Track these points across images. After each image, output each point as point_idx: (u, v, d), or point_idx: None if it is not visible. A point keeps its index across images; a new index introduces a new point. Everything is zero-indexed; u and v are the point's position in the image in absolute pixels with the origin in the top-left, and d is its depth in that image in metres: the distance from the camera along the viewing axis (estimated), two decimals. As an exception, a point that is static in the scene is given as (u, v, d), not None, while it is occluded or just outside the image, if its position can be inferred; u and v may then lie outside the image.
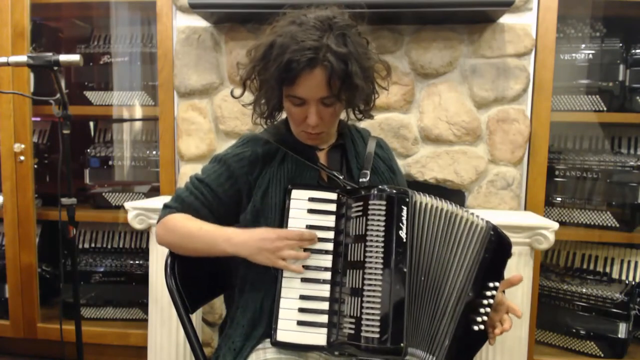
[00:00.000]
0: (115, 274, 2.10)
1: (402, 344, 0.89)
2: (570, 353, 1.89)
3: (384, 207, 0.95)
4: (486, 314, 0.96)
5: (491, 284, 0.97)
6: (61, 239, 1.63)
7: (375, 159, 1.17)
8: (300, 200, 1.02)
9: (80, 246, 2.15)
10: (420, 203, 0.98)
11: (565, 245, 2.02)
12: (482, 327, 0.96)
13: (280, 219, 1.03)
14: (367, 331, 0.89)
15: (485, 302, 0.96)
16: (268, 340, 1.00)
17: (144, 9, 2.11)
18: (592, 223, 1.93)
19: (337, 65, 0.93)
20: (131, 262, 2.11)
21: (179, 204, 1.10)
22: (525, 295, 1.61)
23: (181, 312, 1.10)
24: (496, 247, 0.98)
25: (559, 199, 1.96)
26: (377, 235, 0.94)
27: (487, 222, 0.99)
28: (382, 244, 0.93)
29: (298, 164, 1.09)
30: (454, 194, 1.86)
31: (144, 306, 2.07)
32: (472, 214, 0.99)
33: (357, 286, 0.93)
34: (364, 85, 0.99)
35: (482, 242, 0.98)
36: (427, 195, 0.99)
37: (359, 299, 0.91)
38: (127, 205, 1.70)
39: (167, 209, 1.12)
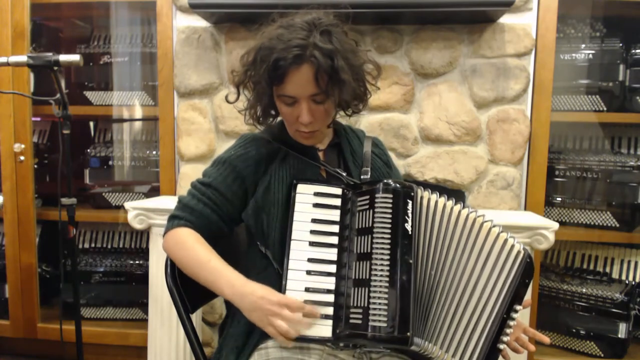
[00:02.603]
0: (115, 274, 2.10)
1: (408, 333, 0.89)
2: (570, 353, 1.89)
3: (390, 200, 0.96)
4: (508, 334, 0.97)
5: (518, 307, 0.98)
6: (61, 239, 1.63)
7: (373, 157, 1.20)
8: (305, 195, 1.04)
9: (80, 246, 2.15)
10: (429, 200, 1.00)
11: (565, 245, 2.02)
12: (505, 346, 0.97)
13: (284, 214, 1.04)
14: (374, 320, 0.90)
15: (511, 323, 0.97)
16: (270, 339, 1.00)
17: (144, 9, 2.12)
18: (592, 223, 1.93)
19: (324, 61, 0.95)
20: (131, 262, 2.11)
21: (188, 213, 1.08)
22: (526, 295, 1.60)
23: (181, 312, 1.10)
24: (530, 273, 0.99)
25: (559, 199, 1.96)
26: (383, 227, 0.95)
27: (524, 247, 0.99)
28: (389, 236, 0.94)
29: (300, 161, 1.11)
30: (454, 193, 1.86)
31: (144, 306, 2.07)
32: (507, 232, 0.99)
33: (364, 277, 0.94)
34: (352, 81, 1.01)
35: (520, 267, 0.97)
36: (436, 194, 1.01)
37: (366, 289, 0.93)
38: (127, 205, 1.69)
39: (176, 219, 1.09)
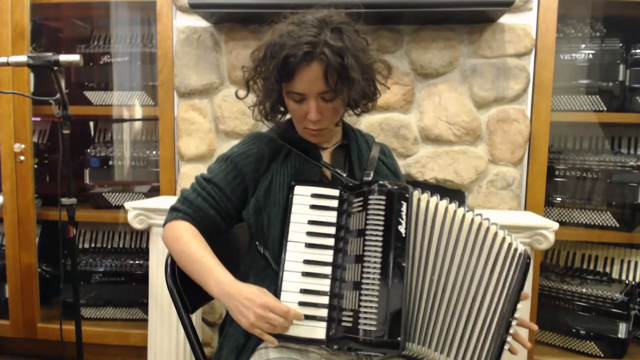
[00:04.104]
0: (115, 274, 2.10)
1: (399, 338, 0.89)
2: (570, 353, 1.89)
3: (383, 202, 0.96)
4: (512, 333, 0.97)
5: (519, 305, 0.97)
6: (61, 239, 1.63)
7: (379, 164, 1.18)
8: (302, 196, 1.03)
9: (80, 246, 2.15)
10: (428, 202, 0.98)
11: (565, 245, 2.02)
12: (508, 346, 0.97)
13: (284, 215, 1.03)
14: (364, 324, 0.90)
15: (514, 322, 0.96)
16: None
17: (144, 9, 2.12)
18: (592, 223, 1.93)
19: (334, 59, 0.95)
20: (131, 262, 2.11)
21: (187, 207, 1.09)
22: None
23: (181, 312, 1.10)
24: (527, 271, 0.98)
25: (559, 199, 1.96)
26: (376, 230, 0.94)
27: (525, 248, 0.98)
28: (381, 239, 0.94)
29: (301, 161, 1.10)
30: (454, 193, 1.86)
31: (144, 306, 2.07)
32: (510, 234, 0.98)
33: (356, 280, 0.94)
34: (361, 80, 1.00)
35: (522, 269, 0.97)
36: (437, 196, 0.99)
37: (358, 292, 0.92)
38: (127, 205, 1.70)
39: (175, 211, 1.10)
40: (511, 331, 0.96)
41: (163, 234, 1.11)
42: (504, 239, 0.97)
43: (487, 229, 0.97)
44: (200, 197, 1.08)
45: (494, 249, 0.97)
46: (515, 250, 0.97)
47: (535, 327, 1.05)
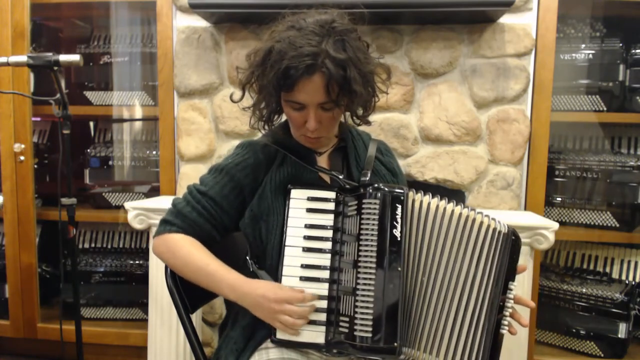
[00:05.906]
0: (115, 274, 2.10)
1: (395, 344, 0.89)
2: (570, 353, 1.89)
3: (377, 206, 0.95)
4: (507, 315, 0.96)
5: (512, 286, 0.97)
6: (61, 239, 1.63)
7: (376, 163, 1.17)
8: (299, 200, 1.02)
9: (80, 246, 2.15)
10: (421, 202, 0.97)
11: (565, 245, 2.02)
12: (506, 329, 0.96)
13: (282, 222, 1.02)
14: (360, 330, 0.90)
15: (509, 304, 0.96)
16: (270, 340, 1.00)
17: (144, 9, 2.12)
18: (592, 223, 1.93)
19: (336, 72, 0.92)
20: (131, 262, 2.11)
21: (181, 220, 1.06)
22: (525, 295, 1.61)
23: (181, 312, 1.10)
24: (517, 249, 0.98)
25: (559, 199, 1.96)
26: (370, 235, 0.94)
27: (508, 226, 0.98)
28: (376, 243, 0.93)
29: (297, 166, 1.08)
30: (454, 193, 1.86)
31: (144, 306, 2.07)
32: (494, 219, 0.98)
33: (352, 285, 0.94)
34: (363, 91, 0.98)
35: (507, 249, 0.96)
36: (429, 195, 0.98)
37: (353, 298, 0.92)
38: (127, 205, 1.70)
39: (168, 225, 1.07)
40: (506, 312, 0.96)
41: (155, 247, 1.08)
42: (488, 226, 0.97)
43: (473, 220, 0.97)
44: (195, 212, 1.06)
45: (480, 237, 0.96)
46: (500, 232, 0.97)
47: (532, 304, 1.04)
